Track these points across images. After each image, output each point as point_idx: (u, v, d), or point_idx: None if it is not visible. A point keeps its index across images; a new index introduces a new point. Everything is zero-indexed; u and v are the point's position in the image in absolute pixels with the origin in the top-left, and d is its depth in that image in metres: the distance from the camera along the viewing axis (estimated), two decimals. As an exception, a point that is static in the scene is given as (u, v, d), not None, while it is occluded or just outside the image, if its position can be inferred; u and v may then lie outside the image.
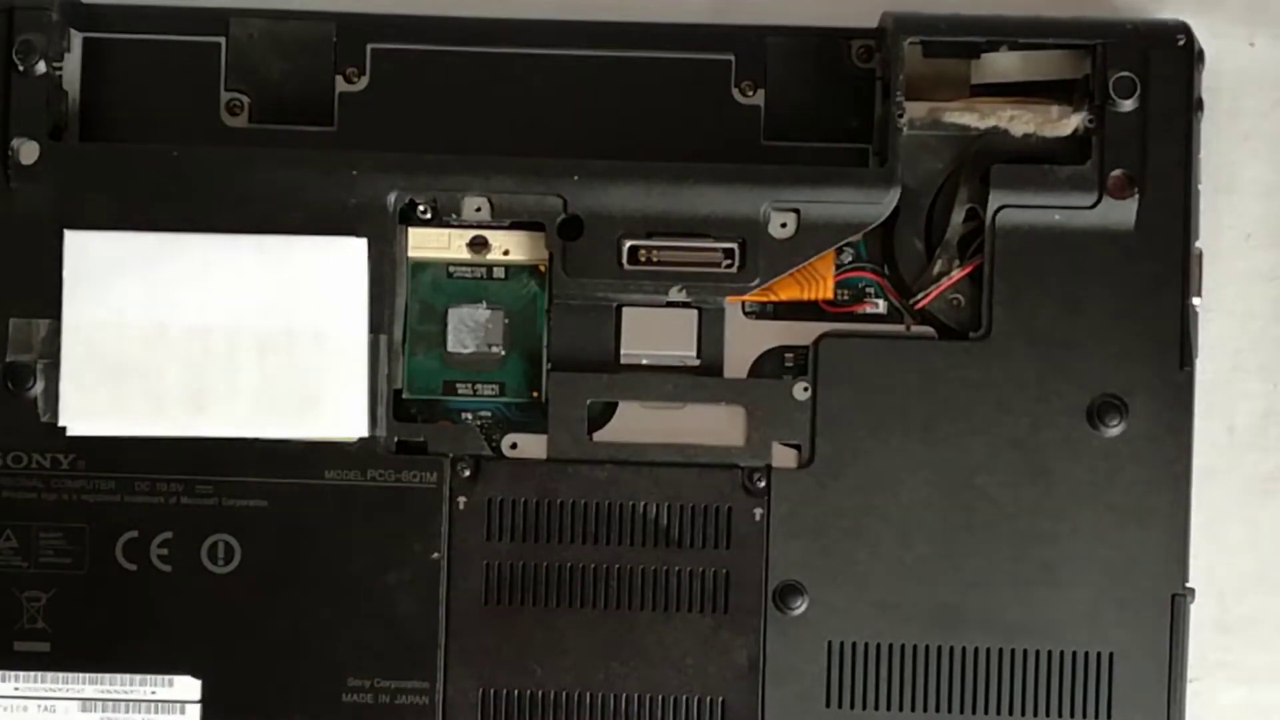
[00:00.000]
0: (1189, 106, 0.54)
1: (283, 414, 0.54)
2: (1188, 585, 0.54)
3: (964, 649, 0.54)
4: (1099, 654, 0.54)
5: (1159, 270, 0.54)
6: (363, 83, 0.56)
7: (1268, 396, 0.59)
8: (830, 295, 0.55)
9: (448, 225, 0.55)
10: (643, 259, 0.54)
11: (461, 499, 0.54)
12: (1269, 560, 0.59)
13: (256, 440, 0.54)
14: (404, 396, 0.55)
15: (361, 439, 0.54)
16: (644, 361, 0.55)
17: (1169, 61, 0.54)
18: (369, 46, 0.56)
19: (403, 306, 0.55)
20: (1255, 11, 0.58)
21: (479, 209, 0.55)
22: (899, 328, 0.55)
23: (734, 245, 0.54)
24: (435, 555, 0.54)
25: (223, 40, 0.56)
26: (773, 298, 0.55)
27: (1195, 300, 0.54)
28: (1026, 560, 0.54)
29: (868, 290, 0.56)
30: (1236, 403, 0.59)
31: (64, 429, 0.54)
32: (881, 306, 0.56)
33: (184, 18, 0.56)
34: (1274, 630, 0.58)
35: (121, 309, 0.54)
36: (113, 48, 0.56)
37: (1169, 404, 0.54)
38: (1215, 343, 0.57)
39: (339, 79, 0.56)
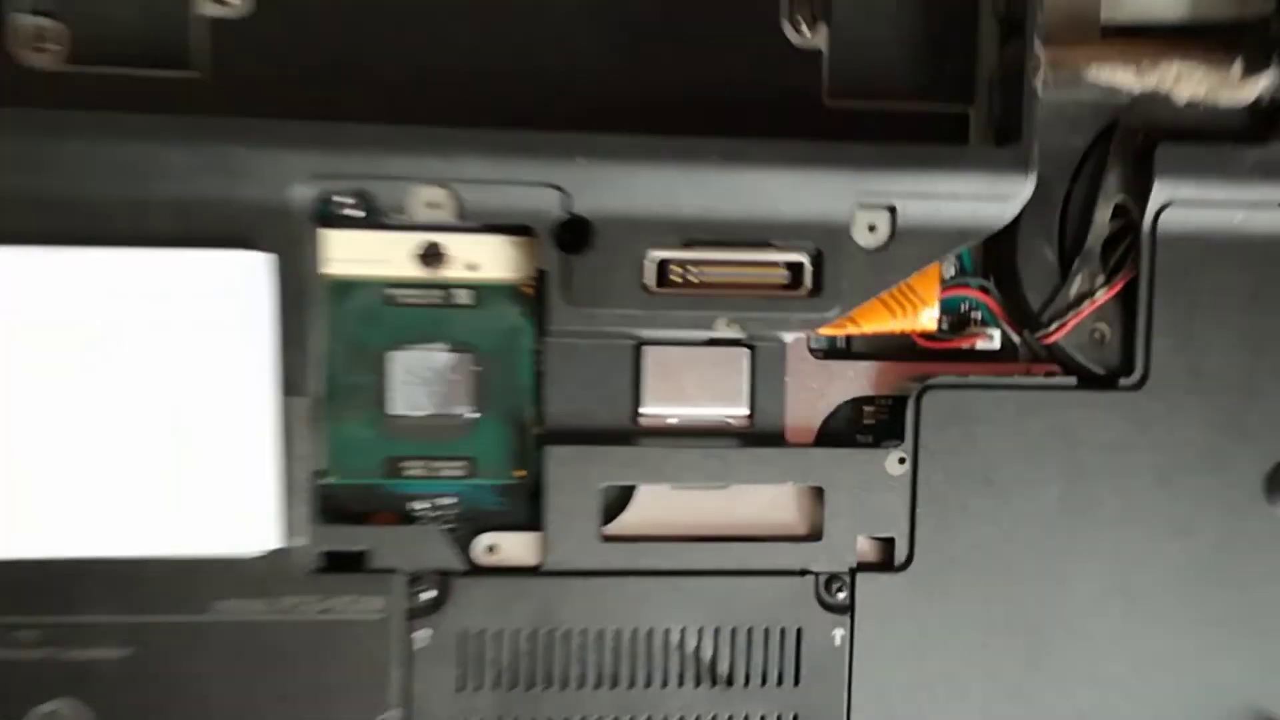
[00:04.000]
0: None
1: (149, 526, 0.41)
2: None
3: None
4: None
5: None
6: (245, 7, 0.42)
7: None
8: (933, 327, 0.42)
9: (386, 228, 0.42)
10: (676, 278, 0.42)
11: (421, 633, 0.43)
12: None
13: (111, 560, 0.41)
14: (329, 482, 0.43)
15: (268, 552, 0.42)
16: (673, 422, 0.43)
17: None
18: (249, -53, 0.41)
19: (321, 350, 0.42)
20: None
21: (434, 204, 0.42)
22: (1021, 370, 0.45)
23: (803, 258, 0.42)
24: (387, 716, 0.42)
25: (19, -64, 0.41)
26: (851, 331, 0.43)
27: None
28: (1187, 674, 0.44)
29: (974, 315, 0.43)
30: None
31: None
32: (995, 339, 0.43)
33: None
34: None
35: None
36: None
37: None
38: None
39: (205, 0, 0.42)
